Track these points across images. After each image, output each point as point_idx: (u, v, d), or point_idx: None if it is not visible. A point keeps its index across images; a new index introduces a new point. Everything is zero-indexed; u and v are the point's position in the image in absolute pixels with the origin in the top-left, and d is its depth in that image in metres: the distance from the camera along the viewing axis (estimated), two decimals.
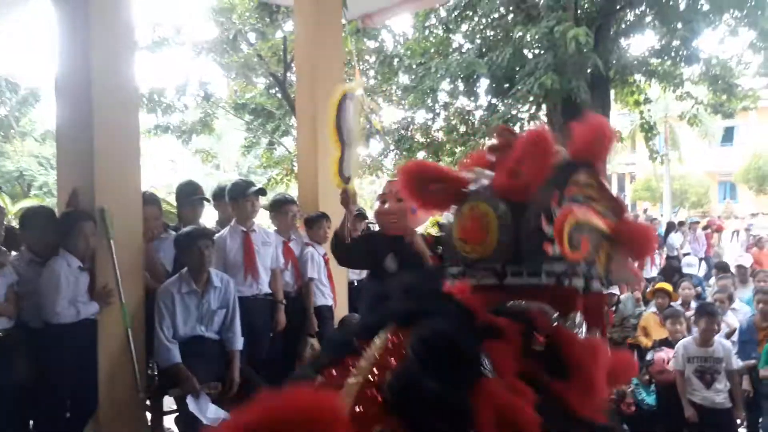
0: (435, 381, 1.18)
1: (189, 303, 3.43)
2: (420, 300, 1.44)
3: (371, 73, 13.82)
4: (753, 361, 4.41)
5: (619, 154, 28.49)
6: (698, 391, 4.15)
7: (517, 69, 10.65)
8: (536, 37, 9.92)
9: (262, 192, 4.09)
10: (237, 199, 3.96)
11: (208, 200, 4.22)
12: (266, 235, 4.06)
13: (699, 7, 10.29)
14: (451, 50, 12.32)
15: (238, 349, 3.56)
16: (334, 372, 1.31)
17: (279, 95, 13.40)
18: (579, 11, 10.37)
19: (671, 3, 10.50)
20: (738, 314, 5.30)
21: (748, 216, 26.59)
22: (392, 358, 1.27)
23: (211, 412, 3.09)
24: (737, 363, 4.31)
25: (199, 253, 3.44)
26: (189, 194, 4.06)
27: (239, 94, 14.51)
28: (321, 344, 3.67)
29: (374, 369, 1.26)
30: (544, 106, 11.53)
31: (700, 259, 10.12)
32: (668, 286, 5.91)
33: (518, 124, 11.71)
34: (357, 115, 3.15)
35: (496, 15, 11.77)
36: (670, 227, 11.66)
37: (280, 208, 4.30)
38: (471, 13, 11.95)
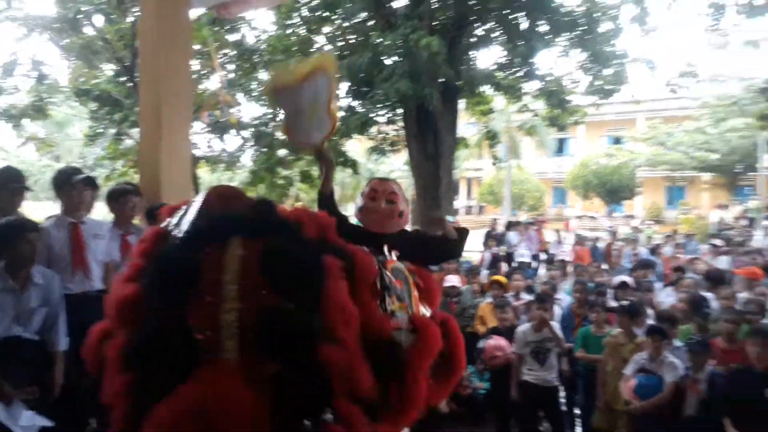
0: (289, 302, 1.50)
1: (3, 301, 3.09)
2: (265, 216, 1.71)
3: (231, 66, 13.43)
4: (570, 344, 4.98)
5: (468, 161, 30.58)
6: (533, 369, 4.59)
7: (376, 74, 10.98)
8: (393, 43, 10.32)
9: (90, 180, 3.76)
10: (62, 187, 3.63)
11: (29, 189, 3.81)
12: (98, 227, 3.77)
13: (537, 27, 11.35)
14: (312, 50, 12.36)
15: (61, 350, 3.27)
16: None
17: (127, 83, 12.49)
18: (434, 22, 10.95)
19: (515, 22, 11.48)
20: (562, 303, 5.95)
21: (574, 218, 29.92)
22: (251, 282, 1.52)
23: (25, 420, 2.80)
24: (566, 343, 4.78)
25: (24, 247, 3.11)
26: (7, 181, 3.64)
27: (83, 79, 13.27)
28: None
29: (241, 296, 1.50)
30: (400, 111, 12.03)
31: (533, 256, 11.17)
32: (503, 279, 6.45)
33: (375, 126, 12.09)
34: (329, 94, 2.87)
35: (357, 20, 12.03)
36: (508, 226, 12.77)
37: (117, 198, 4.02)
38: (332, 15, 12.10)
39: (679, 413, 3.81)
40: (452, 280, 6.27)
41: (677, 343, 4.26)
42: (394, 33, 10.15)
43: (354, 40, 12.13)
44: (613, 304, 5.17)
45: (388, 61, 11.13)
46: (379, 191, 2.80)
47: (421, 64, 9.68)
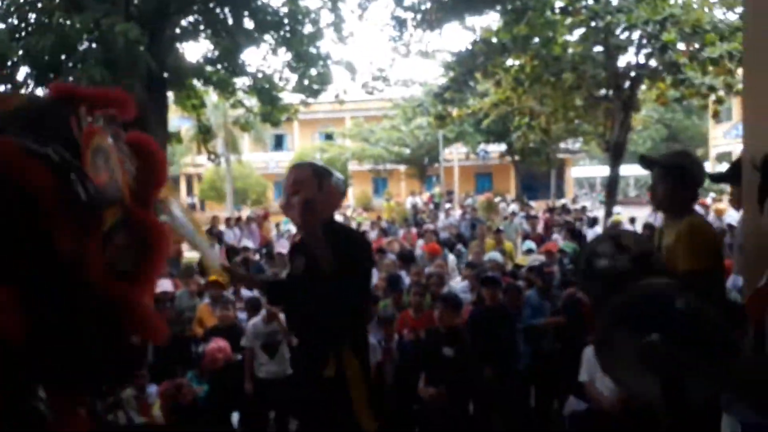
0: None
1: None
2: None
3: None
4: None
5: (186, 156, 29.27)
6: (264, 364, 4.58)
7: (64, 59, 9.65)
8: (84, 27, 9.19)
9: None
10: None
11: None
12: None
13: (242, 24, 11.39)
14: None
15: None
16: None
17: None
18: (131, 8, 10.07)
19: (220, 16, 11.30)
20: None
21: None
22: None
23: None
24: None
25: None
26: None
27: None
28: None
29: None
30: None
31: (255, 251, 11.27)
32: (221, 278, 6.34)
33: None
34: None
35: None
36: (228, 222, 12.66)
37: None
38: None
39: (383, 383, 4.30)
40: (164, 284, 5.93)
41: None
42: (84, 15, 9.05)
43: (34, 20, 10.42)
44: None
45: (80, 47, 9.89)
46: (285, 186, 2.57)
47: (117, 51, 8.83)
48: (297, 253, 2.73)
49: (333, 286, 2.41)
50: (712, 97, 11.79)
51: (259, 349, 4.60)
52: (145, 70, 9.44)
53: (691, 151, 2.77)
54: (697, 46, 10.88)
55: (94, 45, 9.57)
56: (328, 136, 32.49)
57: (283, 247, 8.45)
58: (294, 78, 13.44)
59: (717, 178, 3.27)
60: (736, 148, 23.88)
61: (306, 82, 13.14)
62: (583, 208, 14.72)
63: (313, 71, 13.10)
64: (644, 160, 2.78)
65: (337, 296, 2.42)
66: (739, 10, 10.22)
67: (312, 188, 2.49)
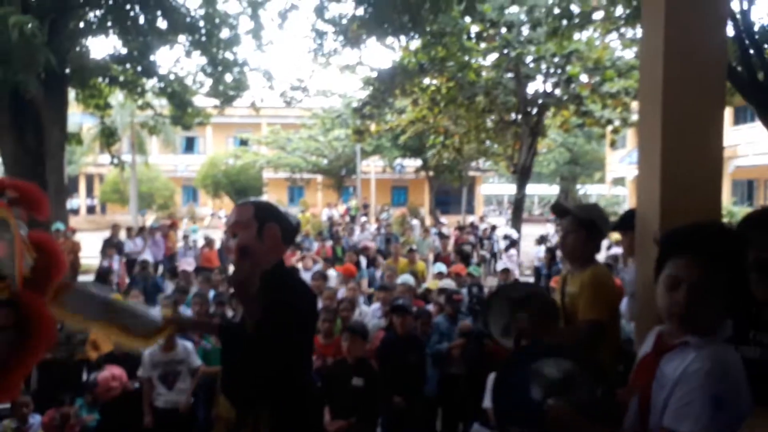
0: None
1: None
2: None
3: None
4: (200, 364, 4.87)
5: (87, 155, 27.47)
6: (162, 394, 4.32)
7: None
8: None
9: None
10: None
11: None
12: None
13: (155, 23, 10.88)
14: None
15: None
16: None
17: None
18: None
19: (132, 14, 10.73)
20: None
21: (208, 216, 30.14)
22: None
23: None
24: (197, 361, 4.61)
25: None
26: None
27: None
28: None
29: None
30: None
31: (157, 263, 10.72)
32: (119, 297, 5.96)
33: None
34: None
35: None
36: (130, 233, 11.95)
37: None
38: None
39: None
40: None
41: None
42: None
43: None
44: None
45: None
46: (226, 225, 2.29)
47: (11, 44, 8.14)
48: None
49: (252, 346, 2.18)
50: (610, 127, 12.70)
51: (157, 379, 4.34)
52: (43, 65, 8.77)
53: (599, 206, 2.92)
54: (598, 80, 11.67)
55: None
56: (243, 142, 31.70)
57: (188, 264, 8.07)
58: (208, 82, 13.03)
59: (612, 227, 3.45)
60: (630, 173, 25.81)
61: (221, 87, 12.79)
62: (493, 228, 15.29)
63: (229, 77, 12.77)
64: (557, 208, 2.88)
65: (253, 359, 2.18)
66: (636, 50, 11.10)
67: (250, 233, 2.24)
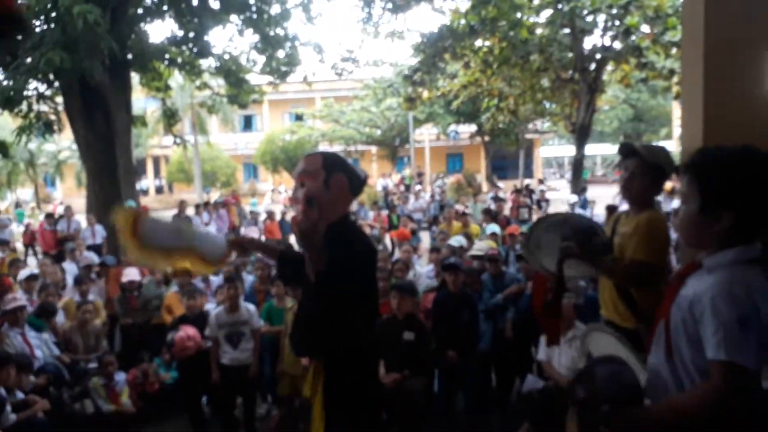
0: None
1: None
2: None
3: None
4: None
5: (152, 138, 28.71)
6: (228, 352, 4.63)
7: (21, 40, 9.34)
8: (42, 8, 8.92)
9: None
10: None
11: None
12: None
13: (208, 4, 11.16)
14: None
15: None
16: None
17: None
18: None
19: None
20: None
21: (269, 192, 30.99)
22: None
23: None
24: (259, 323, 4.84)
25: None
26: None
27: None
28: None
29: None
30: (57, 85, 10.55)
31: (225, 234, 11.25)
32: (189, 265, 6.31)
33: (25, 102, 10.37)
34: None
35: None
36: (197, 208, 12.55)
37: None
38: None
39: None
40: (131, 273, 5.91)
41: None
42: None
43: None
44: None
45: (37, 29, 9.59)
46: (294, 176, 2.30)
47: (77, 33, 8.59)
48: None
49: (314, 297, 2.20)
50: (675, 79, 12.07)
51: (223, 339, 4.64)
52: (107, 52, 9.22)
53: (666, 149, 2.80)
54: (659, 29, 11.09)
55: (52, 26, 9.29)
56: (298, 117, 32.17)
57: (252, 233, 8.43)
58: (261, 59, 13.27)
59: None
60: None
61: (273, 63, 13.00)
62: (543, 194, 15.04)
63: (281, 53, 12.95)
64: (625, 148, 2.76)
65: (315, 308, 2.21)
66: None
67: (318, 182, 2.24)
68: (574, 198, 13.15)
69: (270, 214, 12.73)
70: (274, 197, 25.31)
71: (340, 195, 2.28)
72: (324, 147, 29.64)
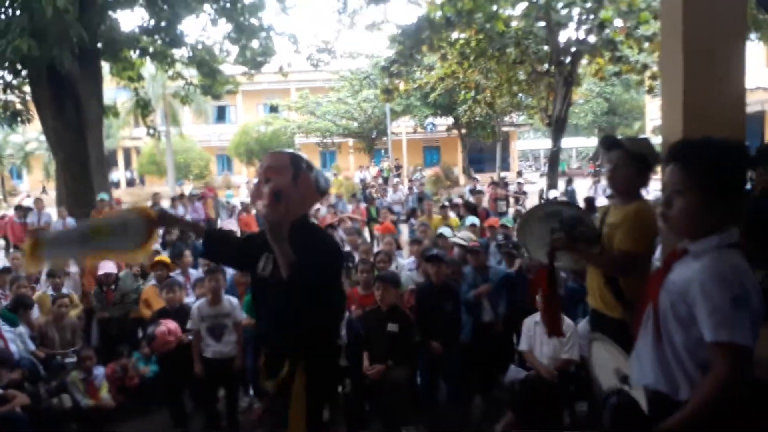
0: None
1: None
2: None
3: None
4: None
5: (123, 129, 28.12)
6: (210, 345, 4.57)
7: None
8: None
9: None
10: None
11: None
12: None
13: None
14: None
15: None
16: None
17: None
18: None
19: None
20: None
21: (243, 184, 30.65)
22: None
23: None
24: (241, 315, 4.76)
25: None
26: None
27: None
28: None
29: None
30: (25, 73, 10.24)
31: None
32: (165, 258, 6.21)
33: None
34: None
35: None
36: (172, 201, 12.34)
37: None
38: None
39: None
40: (107, 266, 5.78)
41: None
42: None
43: None
44: None
45: (3, 15, 9.28)
46: (257, 172, 2.30)
47: (45, 21, 8.34)
48: (259, 249, 2.42)
49: (287, 293, 2.24)
50: (647, 73, 12.29)
51: (205, 331, 4.57)
52: (76, 40, 8.98)
53: (649, 140, 2.87)
54: (632, 23, 11.25)
55: (18, 13, 9.00)
56: (273, 108, 31.85)
57: (231, 225, 8.33)
58: (235, 49, 13.09)
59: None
60: None
61: (248, 53, 12.83)
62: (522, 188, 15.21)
63: (255, 43, 12.79)
64: (607, 140, 2.82)
65: (289, 304, 2.26)
66: None
67: (286, 178, 2.27)
68: (556, 192, 13.33)
69: (246, 207, 12.59)
70: (249, 190, 25.03)
71: (308, 193, 2.33)
72: (300, 139, 29.45)
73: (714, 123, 2.46)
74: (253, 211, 12.39)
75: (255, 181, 2.38)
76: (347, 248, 6.17)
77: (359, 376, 4.24)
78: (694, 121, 2.63)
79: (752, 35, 8.84)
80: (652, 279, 1.84)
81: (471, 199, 12.12)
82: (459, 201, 10.53)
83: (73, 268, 6.48)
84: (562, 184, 14.87)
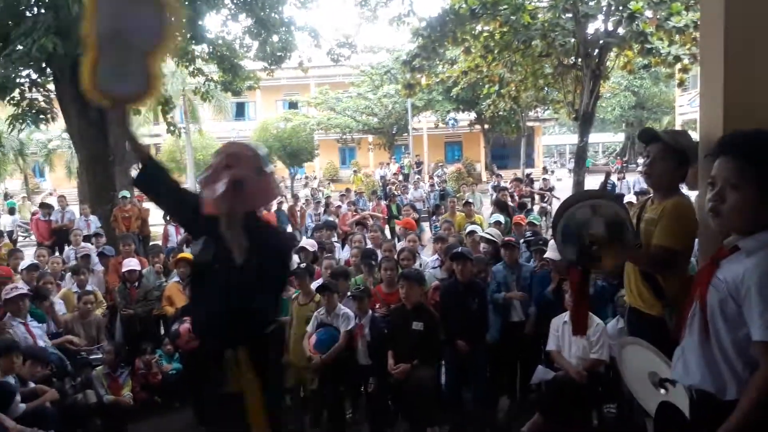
0: None
1: None
2: None
3: None
4: None
5: (143, 126, 28.41)
6: None
7: (12, 26, 9.14)
8: None
9: None
10: None
11: None
12: None
13: None
14: None
15: None
16: None
17: None
18: None
19: None
20: None
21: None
22: None
23: None
24: None
25: None
26: None
27: None
28: None
29: None
30: (49, 71, 10.33)
31: None
32: (189, 255, 6.20)
33: (18, 89, 10.16)
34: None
35: None
36: None
37: None
38: None
39: (353, 358, 4.30)
40: (131, 263, 5.78)
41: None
42: None
43: None
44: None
45: (29, 13, 9.37)
46: (215, 160, 2.25)
47: (70, 19, 8.37)
48: (203, 235, 2.36)
49: (239, 281, 2.21)
50: (678, 66, 11.92)
51: None
52: None
53: (689, 133, 2.76)
54: (663, 14, 10.91)
55: (44, 12, 9.07)
56: (292, 105, 31.84)
57: None
58: (255, 45, 13.05)
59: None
60: None
61: (268, 49, 12.77)
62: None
63: (275, 38, 12.73)
64: (646, 133, 2.73)
65: (241, 293, 2.21)
66: None
67: (250, 168, 2.21)
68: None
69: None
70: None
71: (268, 188, 2.31)
72: (319, 135, 29.43)
73: (755, 118, 2.34)
74: (273, 209, 12.38)
75: (212, 165, 2.29)
76: (370, 245, 6.08)
77: (384, 374, 4.16)
78: (734, 115, 2.50)
79: None
80: (699, 276, 1.79)
81: (495, 195, 11.96)
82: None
83: (98, 266, 6.51)
84: (590, 180, 14.57)
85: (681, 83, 13.80)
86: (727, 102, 2.51)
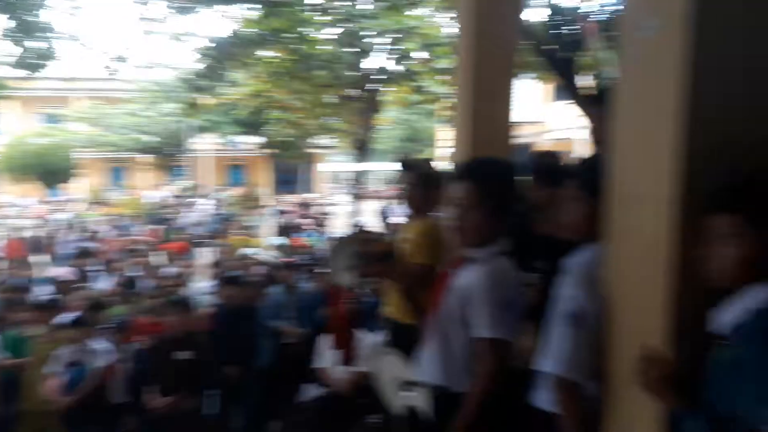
0: None
1: None
2: None
3: None
4: None
5: None
6: None
7: None
8: None
9: None
10: None
11: None
12: None
13: None
14: None
15: None
16: None
17: None
18: None
19: None
20: None
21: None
22: None
23: None
24: None
25: None
26: None
27: None
28: None
29: None
30: None
31: None
32: None
33: None
34: None
35: None
36: None
37: None
38: None
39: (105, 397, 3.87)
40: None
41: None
42: None
43: None
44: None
45: None
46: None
47: None
48: None
49: None
50: (439, 104, 13.39)
51: None
52: None
53: (429, 160, 3.17)
54: (431, 56, 12.18)
55: None
56: (52, 118, 28.02)
57: None
58: (17, 51, 11.30)
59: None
60: None
61: (25, 55, 11.14)
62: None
63: (33, 43, 11.17)
64: (403, 163, 3.05)
65: None
66: None
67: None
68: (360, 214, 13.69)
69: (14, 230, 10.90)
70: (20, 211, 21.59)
71: None
72: (86, 153, 26.30)
73: (494, 151, 2.85)
74: (22, 236, 10.71)
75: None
76: (134, 273, 5.58)
77: (144, 410, 3.80)
78: (480, 149, 2.97)
79: (531, 75, 10.18)
80: (437, 284, 2.04)
81: (279, 219, 12.01)
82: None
83: None
84: (366, 205, 15.43)
85: (444, 119, 15.54)
86: (476, 134, 3.01)
